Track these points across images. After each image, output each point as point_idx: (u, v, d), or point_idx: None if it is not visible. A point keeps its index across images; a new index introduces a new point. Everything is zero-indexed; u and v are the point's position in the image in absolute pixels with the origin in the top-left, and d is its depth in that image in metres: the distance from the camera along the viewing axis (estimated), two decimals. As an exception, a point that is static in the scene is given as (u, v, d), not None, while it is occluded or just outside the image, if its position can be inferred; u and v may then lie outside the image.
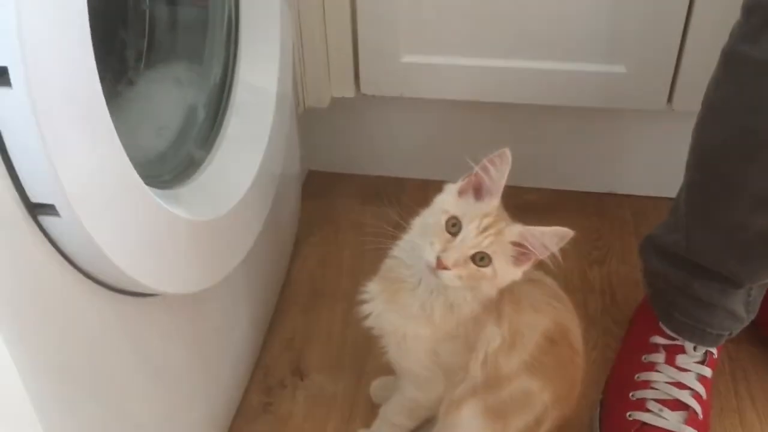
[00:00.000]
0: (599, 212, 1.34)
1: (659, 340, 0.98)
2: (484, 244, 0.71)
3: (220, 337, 0.90)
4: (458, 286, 0.73)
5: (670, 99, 1.17)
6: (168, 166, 0.77)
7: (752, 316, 0.96)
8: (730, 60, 0.79)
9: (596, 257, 1.24)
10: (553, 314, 0.82)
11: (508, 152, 0.71)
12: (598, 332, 1.11)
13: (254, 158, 0.83)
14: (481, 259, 0.72)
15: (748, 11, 0.76)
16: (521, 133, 1.33)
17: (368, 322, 0.82)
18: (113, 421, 0.69)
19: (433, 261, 0.71)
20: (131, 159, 0.72)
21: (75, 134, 0.52)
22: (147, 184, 0.68)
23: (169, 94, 0.85)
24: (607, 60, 1.16)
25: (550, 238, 0.71)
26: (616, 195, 1.37)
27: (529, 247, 0.72)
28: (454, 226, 0.72)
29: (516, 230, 0.72)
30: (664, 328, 0.97)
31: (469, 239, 0.71)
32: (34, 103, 0.47)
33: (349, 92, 1.25)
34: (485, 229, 0.71)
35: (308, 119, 1.31)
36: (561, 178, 1.37)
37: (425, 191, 0.77)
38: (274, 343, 1.10)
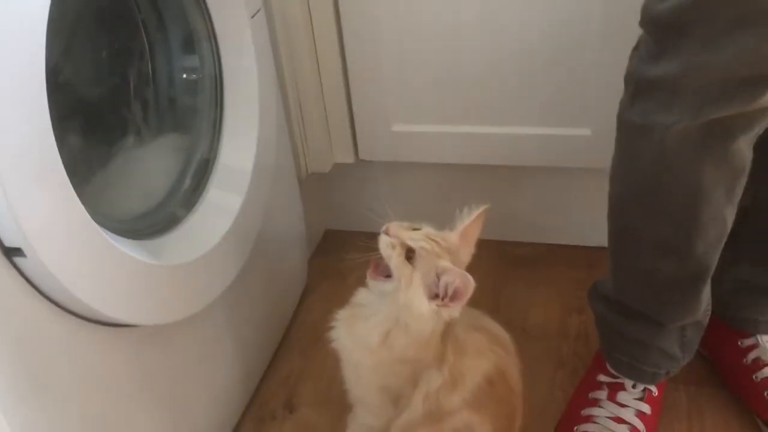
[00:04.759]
0: (590, 265, 1.40)
1: (604, 378, 1.06)
2: (421, 243, 0.81)
3: (206, 371, 1.06)
4: (388, 257, 0.82)
5: (636, 157, 1.26)
6: (149, 221, 0.94)
7: (689, 356, 1.02)
8: (618, 124, 0.89)
9: (576, 305, 1.32)
10: (494, 359, 0.90)
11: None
12: (566, 373, 1.19)
13: (226, 221, 0.99)
14: (409, 257, 0.81)
15: (624, 82, 0.86)
16: (511, 191, 1.43)
17: (333, 346, 0.92)
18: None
19: (384, 228, 0.83)
20: (118, 217, 0.91)
21: (37, 198, 0.69)
22: (128, 235, 0.85)
23: (160, 162, 1.03)
24: (573, 124, 1.27)
25: (456, 280, 0.79)
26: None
27: (440, 283, 0.80)
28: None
29: (445, 264, 0.80)
30: (608, 367, 1.06)
31: (415, 234, 0.82)
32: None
33: (350, 158, 1.41)
34: (430, 239, 0.82)
35: (323, 183, 1.47)
36: (553, 232, 1.46)
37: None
38: (272, 379, 1.25)
